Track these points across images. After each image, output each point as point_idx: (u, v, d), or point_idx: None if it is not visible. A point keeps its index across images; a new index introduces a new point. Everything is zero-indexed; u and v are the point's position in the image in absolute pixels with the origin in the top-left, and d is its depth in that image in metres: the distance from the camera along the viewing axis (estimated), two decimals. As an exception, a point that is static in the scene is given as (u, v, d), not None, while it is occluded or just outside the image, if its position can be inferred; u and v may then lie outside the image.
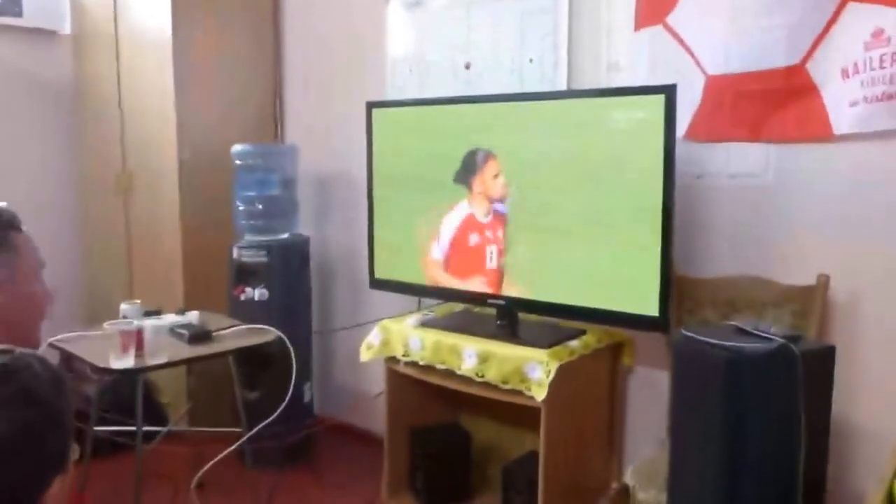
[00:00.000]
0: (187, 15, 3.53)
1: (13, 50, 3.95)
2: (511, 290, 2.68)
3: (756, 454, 1.86)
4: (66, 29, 4.05)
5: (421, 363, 2.69)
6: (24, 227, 1.48)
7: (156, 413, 3.42)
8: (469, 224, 2.78)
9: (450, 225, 2.83)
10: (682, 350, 2.04)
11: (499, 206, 2.69)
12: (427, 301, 3.09)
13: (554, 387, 2.34)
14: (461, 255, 2.80)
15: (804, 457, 1.86)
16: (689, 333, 1.99)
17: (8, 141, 3.94)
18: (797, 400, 1.83)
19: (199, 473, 2.90)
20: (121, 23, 3.71)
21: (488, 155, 2.69)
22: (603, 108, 2.44)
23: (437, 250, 2.86)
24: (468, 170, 2.75)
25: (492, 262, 2.72)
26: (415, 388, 2.89)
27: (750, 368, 1.84)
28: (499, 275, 2.71)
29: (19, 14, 3.89)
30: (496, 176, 2.68)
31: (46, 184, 4.09)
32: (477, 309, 2.90)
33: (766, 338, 1.89)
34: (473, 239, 2.77)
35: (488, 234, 2.72)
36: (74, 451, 1.05)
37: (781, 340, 1.86)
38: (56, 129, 4.11)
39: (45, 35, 4.04)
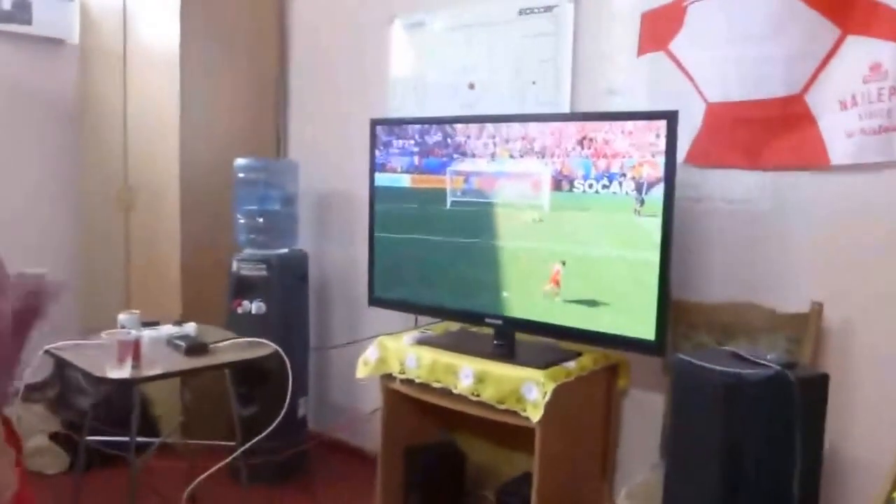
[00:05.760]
0: (195, 32, 3.56)
1: (21, 57, 3.98)
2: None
3: (751, 479, 1.86)
4: (75, 39, 4.07)
5: (417, 381, 2.69)
6: None
7: (148, 425, 3.41)
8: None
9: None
10: (679, 374, 2.05)
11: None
12: (424, 319, 3.09)
13: (550, 408, 2.34)
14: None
15: (798, 483, 1.86)
16: (686, 358, 2.00)
17: (11, 150, 3.96)
18: (793, 426, 1.85)
19: (191, 487, 2.88)
20: (129, 37, 3.74)
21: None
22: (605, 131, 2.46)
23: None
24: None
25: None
26: (410, 406, 2.89)
27: (748, 394, 1.85)
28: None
29: (28, 22, 3.92)
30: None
31: (48, 194, 4.11)
32: (474, 328, 2.91)
33: (762, 364, 1.91)
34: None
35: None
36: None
37: (778, 367, 1.87)
38: (59, 140, 4.12)
39: (53, 44, 4.06)
